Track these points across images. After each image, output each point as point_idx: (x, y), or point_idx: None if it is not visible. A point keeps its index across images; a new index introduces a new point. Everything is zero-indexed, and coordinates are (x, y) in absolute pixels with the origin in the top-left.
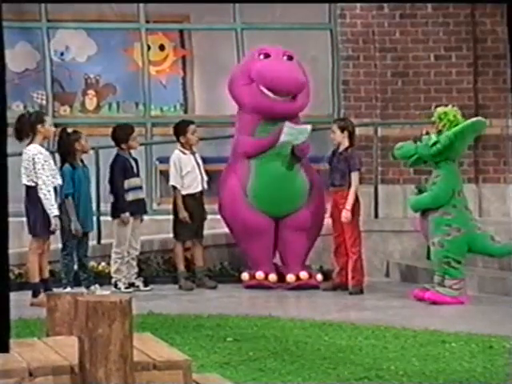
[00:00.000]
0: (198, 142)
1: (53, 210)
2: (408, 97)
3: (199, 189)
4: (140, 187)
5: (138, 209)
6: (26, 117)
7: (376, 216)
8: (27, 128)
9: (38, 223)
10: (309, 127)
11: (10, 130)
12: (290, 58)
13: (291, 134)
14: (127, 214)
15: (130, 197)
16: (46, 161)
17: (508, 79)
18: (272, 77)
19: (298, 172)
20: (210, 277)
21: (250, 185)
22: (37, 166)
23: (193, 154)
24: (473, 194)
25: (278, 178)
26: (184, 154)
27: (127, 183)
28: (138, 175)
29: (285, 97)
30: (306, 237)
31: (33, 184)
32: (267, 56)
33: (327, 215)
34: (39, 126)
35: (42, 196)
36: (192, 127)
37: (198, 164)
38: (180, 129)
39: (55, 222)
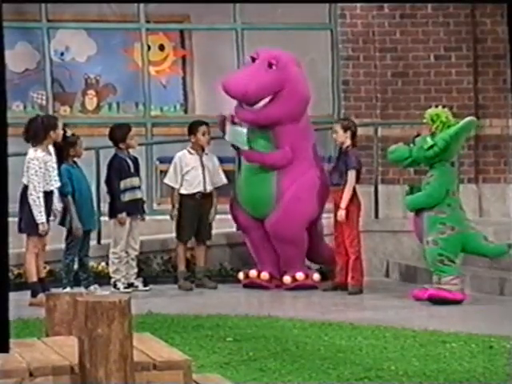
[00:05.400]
0: (209, 143)
1: (39, 216)
2: (408, 97)
3: (199, 189)
4: (138, 187)
5: (135, 209)
6: (38, 121)
7: (376, 216)
8: (40, 133)
9: (31, 222)
10: (244, 130)
11: (10, 130)
12: (271, 65)
13: (232, 134)
14: (124, 214)
15: (126, 197)
16: (40, 168)
17: (508, 79)
18: (223, 82)
19: (267, 178)
20: (210, 277)
21: (236, 185)
22: (30, 171)
23: (200, 155)
24: (473, 194)
25: (248, 182)
26: (190, 153)
27: (123, 183)
28: (136, 175)
29: (250, 106)
30: (283, 242)
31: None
32: (254, 60)
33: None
34: (51, 132)
35: (31, 202)
36: (203, 128)
37: (202, 165)
38: (191, 128)
39: (42, 228)
